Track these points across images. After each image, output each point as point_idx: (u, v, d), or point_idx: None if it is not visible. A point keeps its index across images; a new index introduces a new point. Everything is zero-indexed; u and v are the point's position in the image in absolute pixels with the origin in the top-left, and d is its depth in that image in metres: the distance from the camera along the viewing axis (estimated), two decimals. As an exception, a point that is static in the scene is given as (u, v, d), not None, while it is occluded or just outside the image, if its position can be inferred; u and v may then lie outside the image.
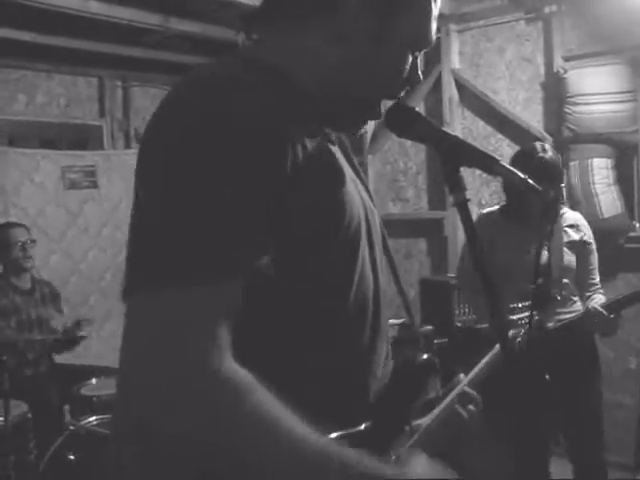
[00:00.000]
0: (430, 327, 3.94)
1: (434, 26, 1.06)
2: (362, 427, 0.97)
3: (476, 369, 1.29)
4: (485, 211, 3.01)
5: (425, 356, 1.11)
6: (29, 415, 3.09)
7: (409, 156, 5.06)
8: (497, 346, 1.34)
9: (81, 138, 5.53)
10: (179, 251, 0.80)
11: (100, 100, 5.65)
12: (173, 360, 0.77)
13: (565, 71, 4.17)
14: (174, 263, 0.80)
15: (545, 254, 2.63)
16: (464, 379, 1.24)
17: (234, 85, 0.89)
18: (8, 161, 4.73)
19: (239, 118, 0.85)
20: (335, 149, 1.02)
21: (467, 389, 1.21)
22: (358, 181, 1.09)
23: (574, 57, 4.20)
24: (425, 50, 1.07)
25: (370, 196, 1.12)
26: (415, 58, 1.06)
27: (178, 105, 0.90)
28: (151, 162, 0.88)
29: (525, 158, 2.71)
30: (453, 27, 4.70)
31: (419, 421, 1.11)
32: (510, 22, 4.50)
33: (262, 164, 0.85)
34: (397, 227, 5.08)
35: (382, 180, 5.21)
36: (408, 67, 1.05)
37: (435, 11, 1.05)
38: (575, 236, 2.83)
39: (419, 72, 1.08)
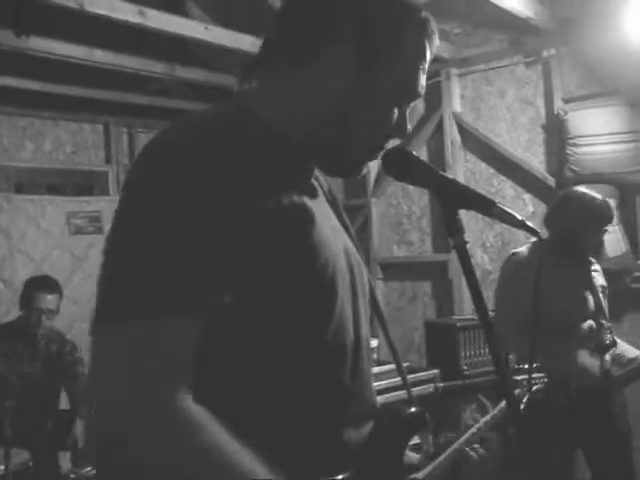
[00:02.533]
0: (436, 370, 3.91)
1: (422, 79, 1.06)
2: (340, 477, 0.95)
3: (486, 418, 1.28)
4: (524, 250, 2.82)
5: (413, 409, 1.10)
6: (30, 464, 3.05)
7: (412, 199, 5.08)
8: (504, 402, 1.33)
9: (87, 184, 5.58)
10: (142, 287, 0.83)
11: (106, 146, 5.72)
12: (131, 392, 0.80)
13: (565, 113, 4.21)
14: (136, 298, 0.83)
15: (598, 297, 2.67)
16: (474, 425, 1.22)
17: (211, 136, 0.92)
18: (15, 207, 4.77)
19: (211, 168, 0.88)
20: (317, 200, 1.02)
21: (479, 431, 1.20)
22: (344, 232, 1.09)
23: (574, 99, 4.24)
24: (414, 102, 1.08)
25: (357, 247, 1.11)
26: (404, 109, 1.07)
27: (156, 154, 0.93)
28: (124, 207, 0.91)
29: (580, 203, 2.72)
30: (454, 71, 4.76)
31: (415, 475, 1.09)
32: (510, 66, 4.56)
33: (228, 211, 0.87)
34: (401, 270, 5.08)
35: (386, 223, 5.22)
36: (394, 118, 1.05)
37: (424, 64, 1.05)
38: (601, 280, 2.86)
39: (407, 124, 1.08)
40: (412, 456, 1.14)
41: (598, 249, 2.89)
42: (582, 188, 2.83)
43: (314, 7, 1.02)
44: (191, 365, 0.84)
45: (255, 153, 0.92)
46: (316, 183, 1.07)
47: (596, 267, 2.88)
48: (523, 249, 2.83)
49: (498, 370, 1.01)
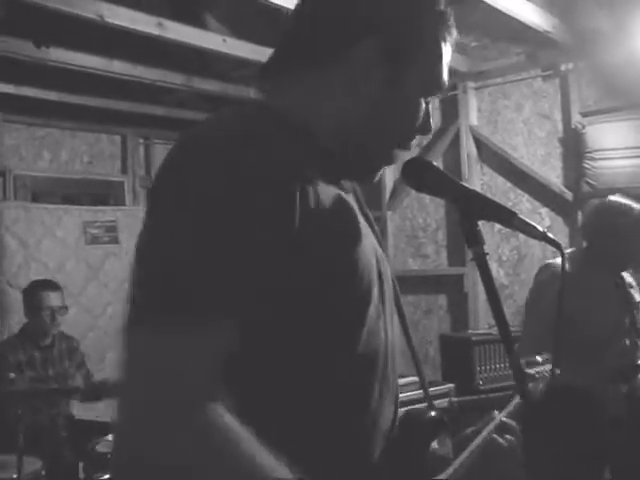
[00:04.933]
0: (451, 385, 3.88)
1: (446, 71, 1.05)
2: None
3: (502, 413, 1.25)
4: (558, 261, 2.70)
5: (433, 413, 1.09)
6: (43, 472, 3.05)
7: (428, 212, 5.07)
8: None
9: (103, 194, 5.61)
10: (176, 291, 0.80)
11: (122, 157, 5.76)
12: (163, 401, 0.77)
13: (583, 127, 4.18)
14: (173, 302, 0.80)
15: (633, 314, 2.62)
16: (499, 414, 1.20)
17: (242, 134, 0.89)
18: (31, 216, 4.80)
19: (246, 168, 0.85)
20: (350, 199, 1.00)
21: (505, 419, 1.17)
22: (371, 232, 1.07)
23: (591, 113, 4.22)
24: (437, 96, 1.07)
25: (380, 243, 1.10)
26: (427, 105, 1.06)
27: (187, 155, 0.89)
28: (156, 208, 0.88)
29: (622, 213, 2.65)
30: (471, 84, 4.76)
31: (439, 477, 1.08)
32: (527, 79, 4.55)
33: (265, 213, 0.84)
34: (417, 283, 5.05)
35: (401, 236, 5.20)
36: (422, 114, 1.04)
37: (447, 56, 1.05)
38: (637, 296, 2.77)
39: (431, 120, 1.07)
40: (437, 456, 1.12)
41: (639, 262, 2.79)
42: (620, 197, 2.73)
43: (336, 7, 1.01)
44: (221, 373, 0.81)
45: (290, 152, 0.90)
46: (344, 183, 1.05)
47: (631, 282, 2.79)
48: (558, 260, 2.72)
49: (512, 365, 0.99)
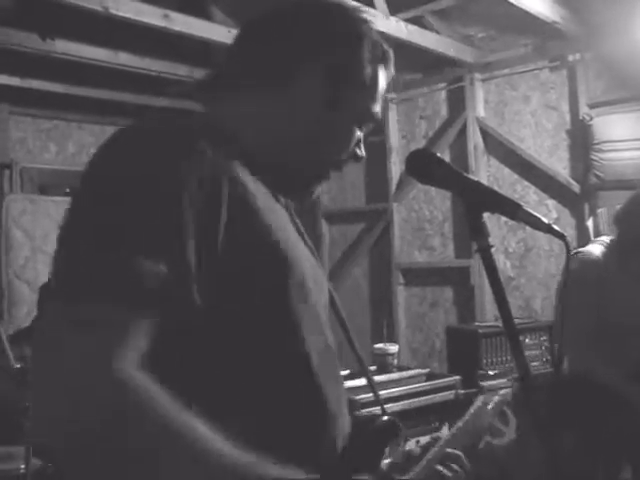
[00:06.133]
0: (457, 377, 3.87)
1: (379, 105, 1.11)
2: None
3: (458, 425, 1.24)
4: (590, 250, 2.66)
5: (385, 418, 1.08)
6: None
7: (435, 204, 5.05)
8: (475, 404, 1.29)
9: (109, 186, 5.61)
10: (96, 269, 0.83)
11: (129, 149, 5.76)
12: (78, 365, 0.78)
13: (590, 118, 4.16)
14: (91, 279, 0.83)
15: None
16: (443, 438, 1.18)
17: (161, 134, 0.93)
18: (38, 209, 4.81)
19: (173, 162, 0.89)
20: (275, 207, 1.03)
21: (449, 450, 1.16)
22: (301, 240, 1.09)
23: (599, 104, 4.19)
24: (370, 126, 1.13)
25: (315, 257, 1.11)
26: (360, 135, 1.11)
27: (110, 149, 0.99)
28: (78, 197, 0.96)
29: None
30: (477, 76, 4.73)
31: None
32: (534, 70, 4.52)
33: (190, 204, 0.86)
34: (423, 275, 5.04)
35: (408, 228, 5.19)
36: (353, 142, 1.10)
37: (381, 87, 1.10)
38: None
39: (362, 148, 1.13)
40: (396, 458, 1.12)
41: None
42: None
43: (278, 33, 1.07)
44: (140, 354, 0.82)
45: (217, 152, 0.93)
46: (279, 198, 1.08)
47: None
48: (589, 248, 2.67)
49: (515, 358, 0.99)
